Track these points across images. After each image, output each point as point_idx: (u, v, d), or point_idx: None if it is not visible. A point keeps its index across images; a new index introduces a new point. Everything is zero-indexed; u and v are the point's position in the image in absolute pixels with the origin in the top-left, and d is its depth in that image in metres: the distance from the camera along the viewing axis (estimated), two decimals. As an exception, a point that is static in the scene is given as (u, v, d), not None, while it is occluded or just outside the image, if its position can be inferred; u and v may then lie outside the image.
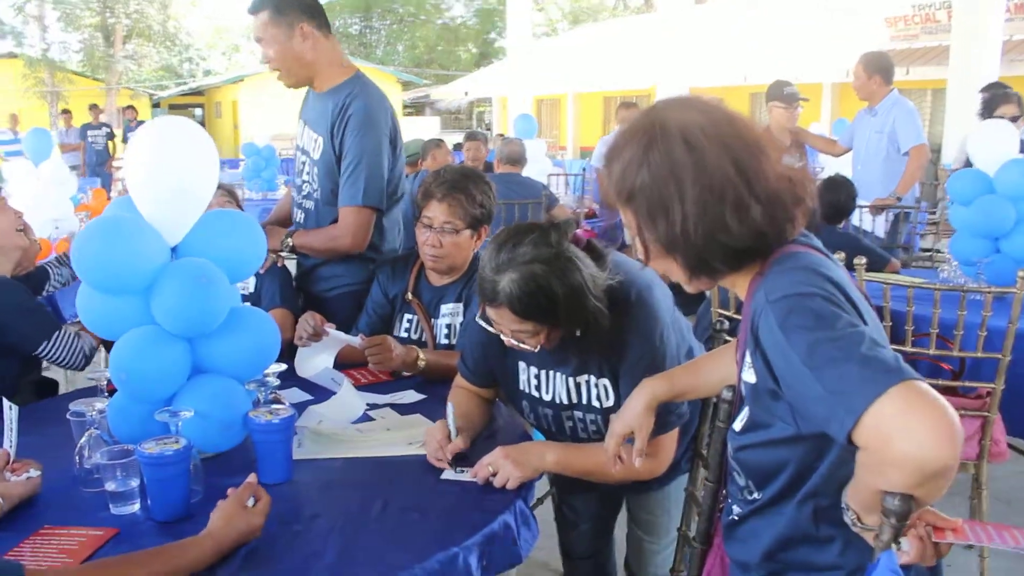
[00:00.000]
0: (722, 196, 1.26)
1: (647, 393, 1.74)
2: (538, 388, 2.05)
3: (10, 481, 1.68)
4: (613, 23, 27.89)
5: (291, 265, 2.99)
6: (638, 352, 1.88)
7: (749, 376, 1.36)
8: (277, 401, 2.02)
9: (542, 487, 2.90)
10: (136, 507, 1.69)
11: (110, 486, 1.69)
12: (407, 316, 2.73)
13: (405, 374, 2.50)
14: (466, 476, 1.82)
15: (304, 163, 2.96)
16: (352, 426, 2.12)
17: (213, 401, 1.82)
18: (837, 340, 1.15)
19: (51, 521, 1.65)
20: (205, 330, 1.84)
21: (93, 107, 15.02)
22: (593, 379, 1.98)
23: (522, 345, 1.86)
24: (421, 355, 2.43)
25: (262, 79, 22.21)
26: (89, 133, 14.00)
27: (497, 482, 1.77)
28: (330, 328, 2.35)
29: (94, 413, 1.81)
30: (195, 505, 1.68)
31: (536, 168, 7.20)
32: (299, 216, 3.01)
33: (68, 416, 1.92)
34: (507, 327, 1.84)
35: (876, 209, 5.27)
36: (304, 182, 2.97)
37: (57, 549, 1.54)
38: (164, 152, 1.82)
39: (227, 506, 1.53)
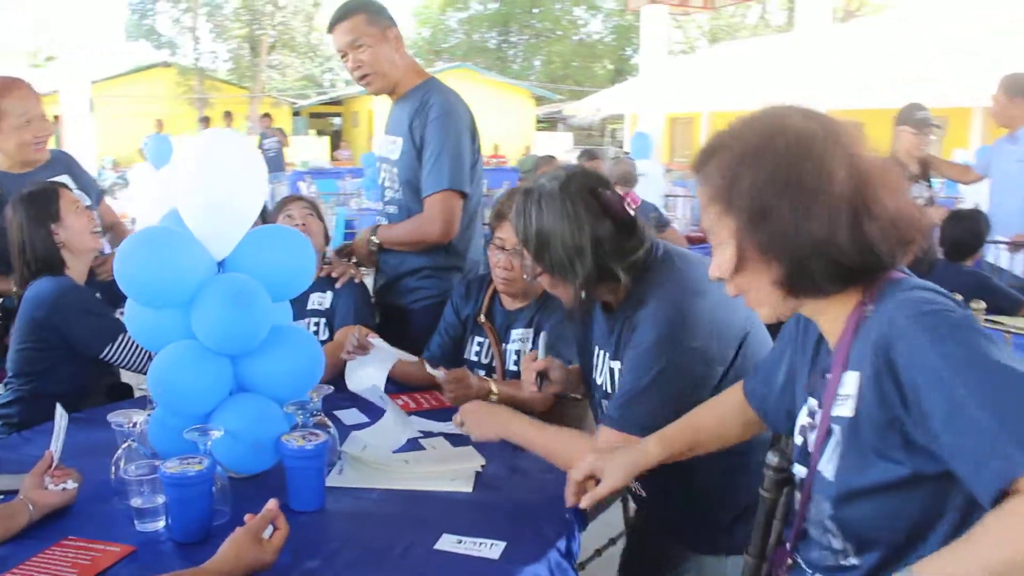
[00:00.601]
0: (836, 207, 1.17)
1: (640, 457, 1.60)
2: (599, 371, 1.94)
3: (47, 489, 1.68)
4: (752, 42, 27.23)
5: (368, 282, 2.96)
6: (644, 340, 1.72)
7: (844, 410, 1.23)
8: (322, 425, 1.96)
9: (601, 536, 2.77)
10: (161, 524, 1.65)
11: (135, 502, 1.66)
12: (478, 339, 2.65)
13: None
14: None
15: (384, 171, 2.97)
16: (398, 455, 2.04)
17: (246, 421, 1.78)
18: (1006, 369, 1.03)
19: (77, 532, 1.63)
20: (243, 348, 1.80)
21: (227, 114, 15.67)
22: (618, 365, 1.85)
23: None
24: (494, 388, 2.34)
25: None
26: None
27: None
28: (374, 339, 2.28)
29: (131, 425, 1.78)
30: (221, 527, 1.63)
31: (651, 189, 7.02)
32: (385, 223, 3.02)
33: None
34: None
35: (1014, 246, 4.85)
36: (386, 188, 2.97)
37: (70, 563, 1.52)
38: (211, 165, 1.79)
39: (240, 536, 1.47)
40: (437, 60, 35.41)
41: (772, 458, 1.43)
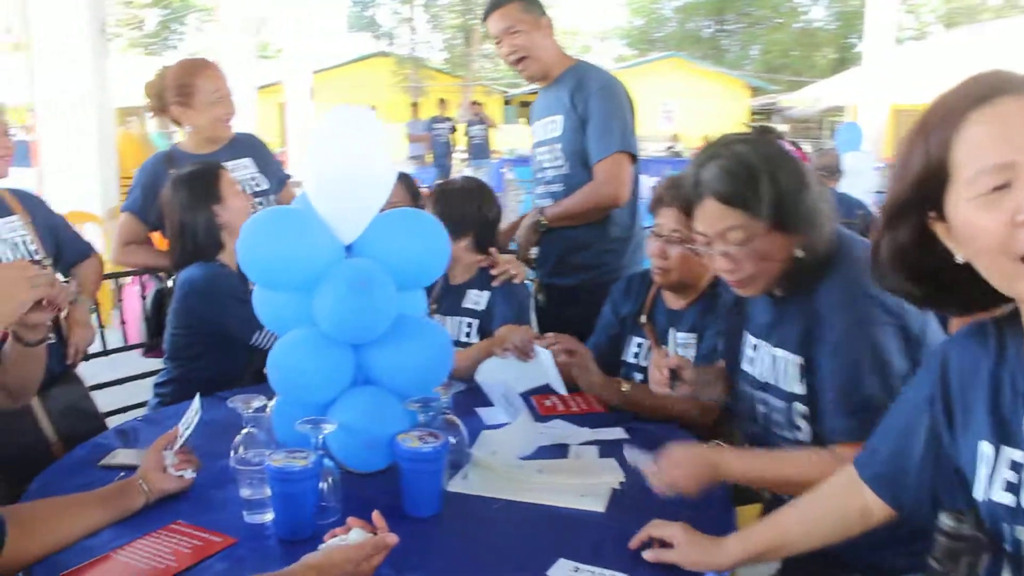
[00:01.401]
0: None
1: (715, 556, 1.42)
2: (752, 361, 1.77)
3: (166, 474, 1.66)
4: (994, 25, 24.90)
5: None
6: (836, 329, 1.55)
7: None
8: (450, 424, 1.83)
9: None
10: (269, 517, 1.58)
11: (244, 492, 1.60)
12: (636, 340, 2.44)
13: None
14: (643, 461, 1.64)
15: (544, 153, 2.94)
16: (531, 462, 1.88)
17: (361, 416, 1.68)
18: None
19: (187, 516, 1.59)
20: (363, 337, 1.70)
21: (441, 102, 16.07)
22: (788, 355, 1.66)
23: (730, 253, 1.59)
24: (625, 383, 2.15)
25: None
26: (434, 126, 15.00)
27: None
28: (542, 350, 2.12)
29: (250, 411, 1.73)
30: (329, 525, 1.53)
31: (860, 184, 6.46)
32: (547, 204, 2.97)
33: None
34: (714, 227, 1.59)
35: None
36: (547, 168, 2.94)
37: (170, 549, 1.47)
38: (339, 145, 1.69)
39: (335, 556, 1.33)
40: (651, 50, 34.87)
41: (947, 521, 1.13)
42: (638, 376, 2.37)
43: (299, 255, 1.68)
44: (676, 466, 1.61)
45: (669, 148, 17.52)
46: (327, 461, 1.60)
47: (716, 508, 1.67)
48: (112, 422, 2.38)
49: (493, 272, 2.63)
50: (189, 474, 1.68)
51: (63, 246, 2.50)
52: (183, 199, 2.51)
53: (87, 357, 2.58)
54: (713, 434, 2.04)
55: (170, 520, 1.57)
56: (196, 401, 1.72)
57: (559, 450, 1.96)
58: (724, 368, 1.95)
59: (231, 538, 1.51)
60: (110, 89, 6.26)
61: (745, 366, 1.82)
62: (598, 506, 1.66)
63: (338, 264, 1.69)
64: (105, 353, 2.87)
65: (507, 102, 31.77)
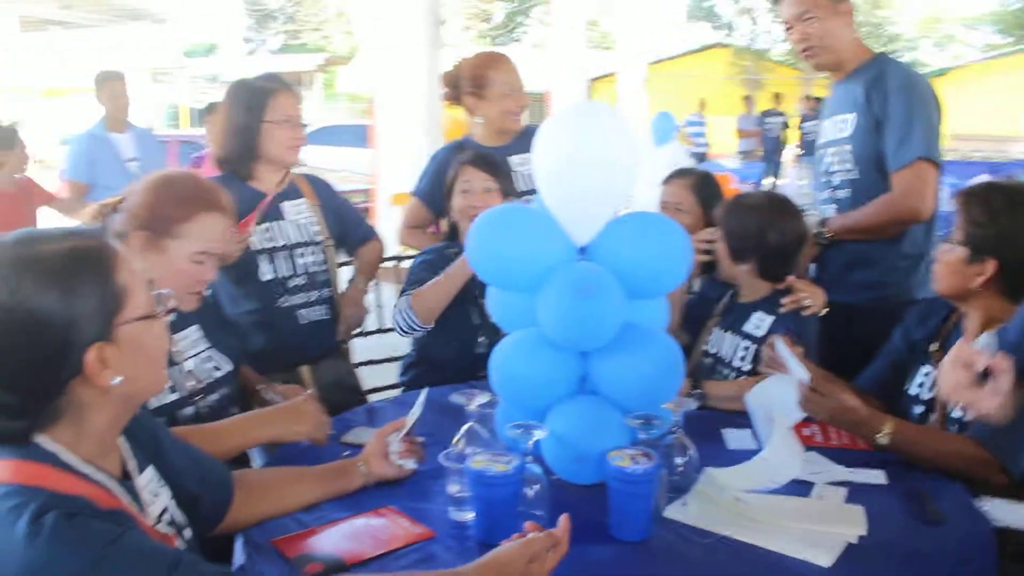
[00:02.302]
0: None
1: None
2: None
3: (387, 460, 1.71)
4: None
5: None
6: None
7: None
8: (679, 445, 1.71)
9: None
10: (471, 515, 1.57)
11: (452, 488, 1.61)
12: (924, 370, 2.12)
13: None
14: None
15: (832, 155, 2.68)
16: (762, 497, 1.70)
17: (576, 426, 1.61)
18: None
19: (398, 503, 1.64)
20: (585, 343, 1.63)
21: (776, 95, 15.43)
22: None
23: None
24: (889, 424, 1.85)
25: (971, 72, 20.44)
26: (766, 120, 14.45)
27: None
28: (793, 361, 1.90)
29: (473, 407, 1.73)
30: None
31: None
32: (830, 212, 2.72)
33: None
34: None
35: None
36: (834, 173, 2.67)
37: (372, 535, 1.52)
38: (576, 142, 1.62)
39: (514, 550, 1.31)
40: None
41: None
42: (918, 409, 2.08)
43: (529, 255, 1.65)
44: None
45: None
46: (535, 468, 1.56)
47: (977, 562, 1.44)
48: (373, 399, 2.52)
49: (783, 301, 2.32)
50: (410, 464, 1.72)
51: (347, 229, 2.69)
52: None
53: (362, 334, 2.74)
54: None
55: (381, 504, 1.62)
56: (423, 394, 1.75)
57: (801, 487, 1.76)
58: None
59: (430, 531, 1.53)
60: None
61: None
62: (824, 559, 1.46)
63: (563, 267, 1.63)
64: (380, 331, 3.06)
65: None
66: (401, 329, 2.46)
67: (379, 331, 3.06)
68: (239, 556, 1.48)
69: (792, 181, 13.98)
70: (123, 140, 5.00)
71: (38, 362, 1.10)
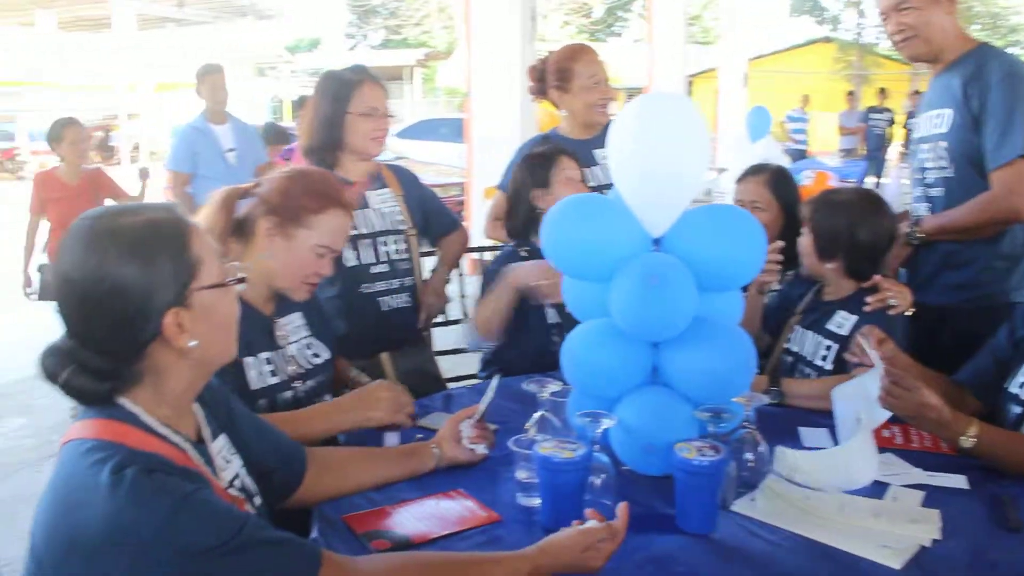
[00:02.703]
0: None
1: None
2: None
3: (460, 444, 1.75)
4: None
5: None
6: None
7: None
8: (750, 440, 1.69)
9: None
10: (537, 501, 1.58)
11: (520, 474, 1.63)
12: (1028, 370, 2.04)
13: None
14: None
15: (927, 151, 2.57)
16: (835, 496, 1.67)
17: (644, 416, 1.62)
18: None
19: (467, 486, 1.67)
20: (654, 334, 1.64)
21: (881, 91, 14.92)
22: None
23: None
24: (975, 428, 1.77)
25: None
26: (871, 116, 13.99)
27: None
28: (876, 358, 1.84)
29: (546, 395, 1.75)
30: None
31: None
32: (923, 211, 2.61)
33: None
34: None
35: None
36: (928, 170, 2.56)
37: (439, 515, 1.56)
38: (649, 133, 1.63)
39: (575, 536, 1.33)
40: None
41: None
42: (1016, 409, 2.00)
43: (603, 245, 1.66)
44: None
45: None
46: (602, 456, 1.57)
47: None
48: (452, 387, 2.56)
49: (869, 299, 2.23)
50: (481, 449, 1.75)
51: (431, 219, 2.73)
52: (524, 177, 2.57)
53: (445, 323, 2.79)
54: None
55: (451, 487, 1.66)
56: (495, 380, 1.78)
57: (876, 488, 1.72)
58: None
59: (496, 515, 1.56)
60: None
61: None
62: (894, 562, 1.43)
63: (636, 257, 1.64)
64: (462, 321, 3.10)
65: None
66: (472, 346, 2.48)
67: (460, 321, 3.11)
68: (313, 531, 1.54)
69: (894, 180, 13.49)
70: (222, 131, 5.20)
71: (122, 326, 1.18)
